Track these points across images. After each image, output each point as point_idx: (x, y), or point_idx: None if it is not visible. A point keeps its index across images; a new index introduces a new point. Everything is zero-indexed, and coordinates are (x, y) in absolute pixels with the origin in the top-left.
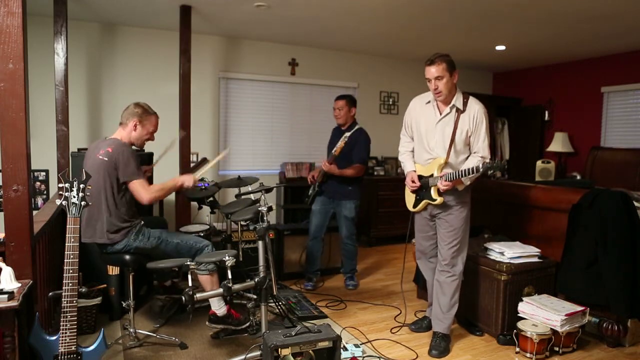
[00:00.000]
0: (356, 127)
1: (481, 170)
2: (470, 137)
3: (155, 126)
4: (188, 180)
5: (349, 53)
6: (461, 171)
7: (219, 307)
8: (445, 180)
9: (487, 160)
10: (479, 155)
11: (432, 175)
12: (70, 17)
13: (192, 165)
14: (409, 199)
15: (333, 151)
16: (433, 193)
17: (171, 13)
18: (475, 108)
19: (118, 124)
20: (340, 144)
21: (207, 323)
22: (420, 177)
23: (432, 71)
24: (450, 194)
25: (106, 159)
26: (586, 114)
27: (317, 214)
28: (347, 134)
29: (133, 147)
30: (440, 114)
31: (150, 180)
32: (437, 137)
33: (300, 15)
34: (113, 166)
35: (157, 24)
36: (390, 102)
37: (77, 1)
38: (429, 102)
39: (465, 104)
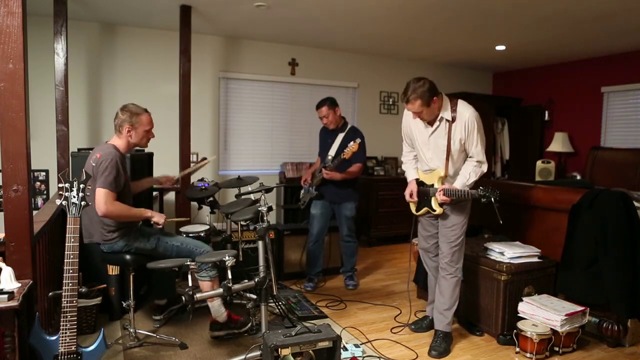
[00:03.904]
0: (349, 126)
1: (477, 196)
2: (464, 144)
3: (149, 123)
4: (158, 217)
5: (349, 53)
6: (458, 191)
7: (219, 314)
8: (444, 195)
9: (483, 192)
10: (474, 160)
11: (432, 186)
12: (70, 17)
13: (192, 165)
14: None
15: (342, 155)
16: (434, 204)
17: (171, 13)
18: (466, 115)
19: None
20: (354, 145)
21: (209, 331)
22: (422, 183)
23: (411, 108)
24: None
25: (94, 164)
26: (586, 114)
27: (318, 218)
28: (342, 135)
29: (136, 148)
30: (431, 127)
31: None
32: (432, 150)
33: (300, 15)
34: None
35: (157, 24)
36: (390, 102)
37: (77, 1)
38: None
39: (454, 111)
